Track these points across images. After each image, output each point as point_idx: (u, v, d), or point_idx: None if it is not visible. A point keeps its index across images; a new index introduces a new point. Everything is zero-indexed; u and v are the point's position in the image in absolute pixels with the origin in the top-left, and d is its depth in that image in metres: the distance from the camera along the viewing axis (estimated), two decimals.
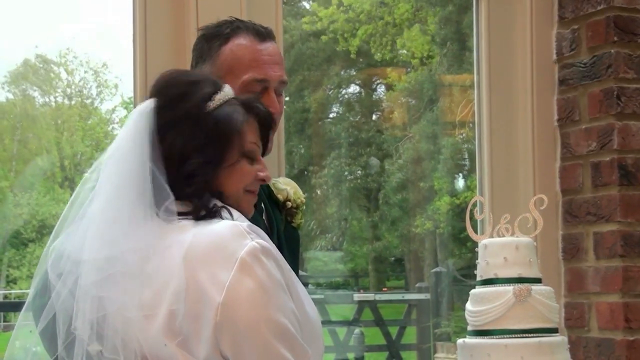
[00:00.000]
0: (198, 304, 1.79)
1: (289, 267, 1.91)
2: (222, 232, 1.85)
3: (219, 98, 2.00)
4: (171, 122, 1.96)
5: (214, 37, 2.41)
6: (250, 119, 2.03)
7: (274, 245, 1.89)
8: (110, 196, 1.90)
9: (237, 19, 2.48)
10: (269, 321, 1.79)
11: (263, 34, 2.43)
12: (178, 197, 1.92)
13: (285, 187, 2.57)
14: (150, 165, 1.90)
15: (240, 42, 2.39)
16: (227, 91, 2.03)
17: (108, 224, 1.87)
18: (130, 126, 1.96)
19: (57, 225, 2.00)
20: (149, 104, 1.99)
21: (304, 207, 2.60)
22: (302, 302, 1.90)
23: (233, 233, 1.84)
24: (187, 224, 1.88)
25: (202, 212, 1.91)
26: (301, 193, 2.60)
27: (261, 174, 2.05)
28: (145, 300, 1.82)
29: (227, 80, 2.14)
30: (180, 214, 1.90)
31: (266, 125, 2.09)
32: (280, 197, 2.54)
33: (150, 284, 1.82)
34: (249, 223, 1.89)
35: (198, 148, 1.94)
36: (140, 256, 1.84)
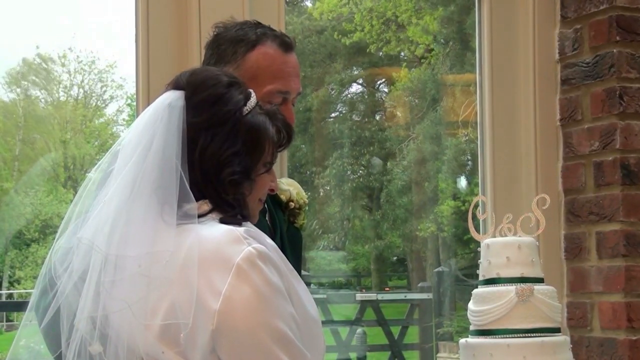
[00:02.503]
0: (195, 311, 1.77)
1: (291, 267, 1.90)
2: (218, 238, 1.82)
3: (250, 104, 1.95)
4: (206, 122, 1.89)
5: (239, 41, 2.38)
6: (273, 130, 1.99)
7: (276, 247, 1.88)
8: (130, 193, 1.84)
9: (258, 22, 2.46)
10: (267, 327, 1.77)
11: (288, 45, 2.42)
12: (204, 199, 1.88)
13: (288, 187, 2.57)
14: (178, 165, 1.84)
15: (267, 51, 2.38)
16: (254, 98, 1.98)
17: (126, 222, 1.82)
18: (156, 118, 1.88)
19: (62, 223, 1.94)
20: (179, 97, 1.92)
21: (307, 207, 2.59)
22: (302, 303, 1.88)
23: (229, 239, 1.81)
24: (188, 227, 1.84)
25: (238, 217, 1.88)
26: (304, 194, 2.59)
27: (272, 184, 2.04)
28: (147, 306, 1.80)
29: (249, 87, 2.13)
30: (200, 215, 1.86)
31: (287, 138, 2.03)
32: (283, 197, 2.54)
33: (154, 289, 1.80)
34: (246, 227, 1.86)
35: (236, 155, 1.89)
36: (152, 260, 1.81)
